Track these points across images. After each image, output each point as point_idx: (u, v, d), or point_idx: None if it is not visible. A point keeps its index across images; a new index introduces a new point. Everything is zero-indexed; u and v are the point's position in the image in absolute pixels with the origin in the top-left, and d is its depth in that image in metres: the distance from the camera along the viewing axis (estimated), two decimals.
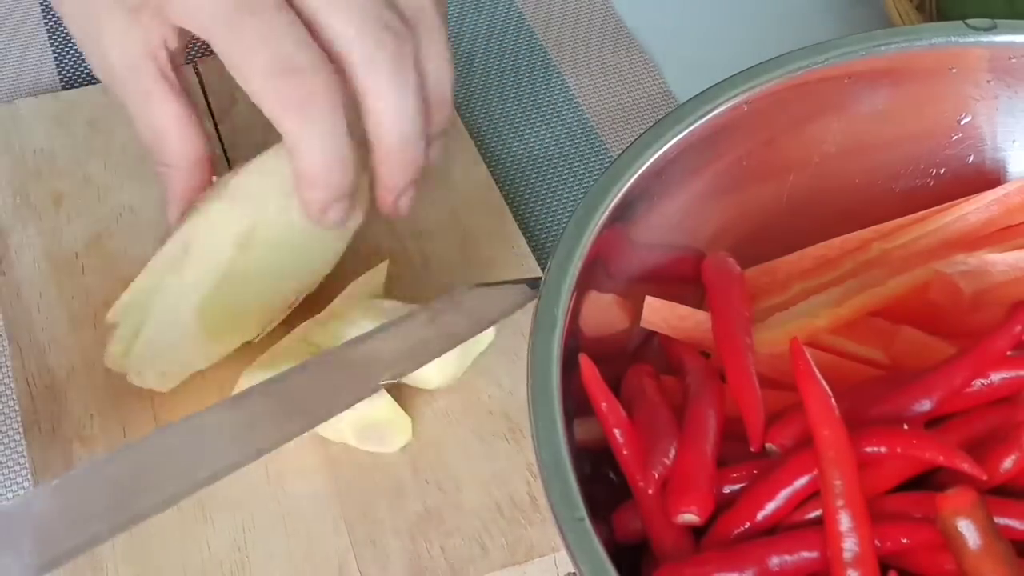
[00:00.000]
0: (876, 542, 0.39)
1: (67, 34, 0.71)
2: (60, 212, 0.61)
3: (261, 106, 0.47)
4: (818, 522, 0.40)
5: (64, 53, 0.71)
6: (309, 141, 0.47)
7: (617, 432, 0.43)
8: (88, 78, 0.69)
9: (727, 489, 0.42)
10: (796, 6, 0.75)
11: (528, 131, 0.67)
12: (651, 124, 0.47)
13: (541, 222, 0.63)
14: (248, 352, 0.53)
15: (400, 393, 0.53)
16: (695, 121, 0.47)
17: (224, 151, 0.63)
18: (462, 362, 0.53)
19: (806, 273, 0.51)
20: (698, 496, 0.41)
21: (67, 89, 0.69)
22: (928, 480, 0.42)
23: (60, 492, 0.43)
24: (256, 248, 0.51)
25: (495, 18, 0.73)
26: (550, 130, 0.67)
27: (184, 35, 0.49)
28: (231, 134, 0.64)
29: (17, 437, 0.54)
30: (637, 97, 0.69)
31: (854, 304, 0.48)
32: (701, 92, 0.48)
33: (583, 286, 0.43)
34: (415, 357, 0.50)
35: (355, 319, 0.52)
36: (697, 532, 0.42)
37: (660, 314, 0.48)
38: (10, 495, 0.53)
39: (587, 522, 0.38)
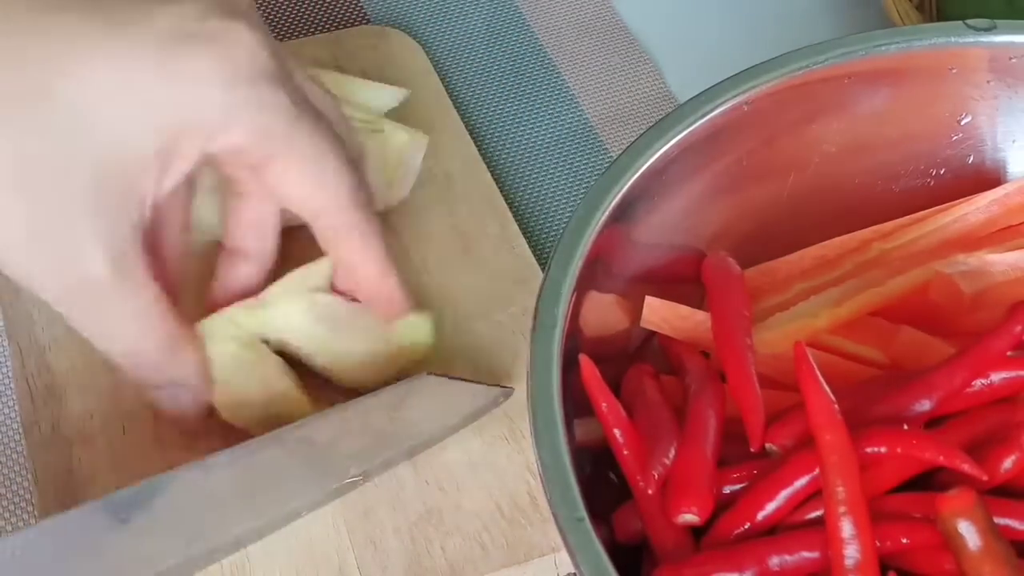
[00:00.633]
0: (876, 542, 0.39)
1: None
2: None
3: None
4: (818, 522, 0.40)
5: None
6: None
7: (617, 432, 0.43)
8: None
9: (727, 489, 0.42)
10: (796, 6, 0.75)
11: (528, 131, 0.67)
12: (651, 124, 0.47)
13: (541, 222, 0.63)
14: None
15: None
16: (695, 121, 0.47)
17: None
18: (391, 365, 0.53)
19: (806, 273, 0.51)
20: (698, 496, 0.41)
21: None
22: (928, 480, 0.42)
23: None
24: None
25: (495, 18, 0.73)
26: (550, 130, 0.67)
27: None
28: None
29: (17, 437, 0.54)
30: (637, 97, 0.69)
31: (854, 304, 0.48)
32: (701, 92, 0.48)
33: (583, 286, 0.43)
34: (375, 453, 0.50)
35: (287, 312, 0.52)
36: (697, 532, 0.42)
37: (660, 314, 0.48)
38: (10, 495, 0.53)
39: (587, 522, 0.38)
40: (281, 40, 0.71)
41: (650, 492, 0.41)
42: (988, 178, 0.52)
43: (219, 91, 0.45)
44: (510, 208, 0.61)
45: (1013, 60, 0.50)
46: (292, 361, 0.52)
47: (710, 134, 0.47)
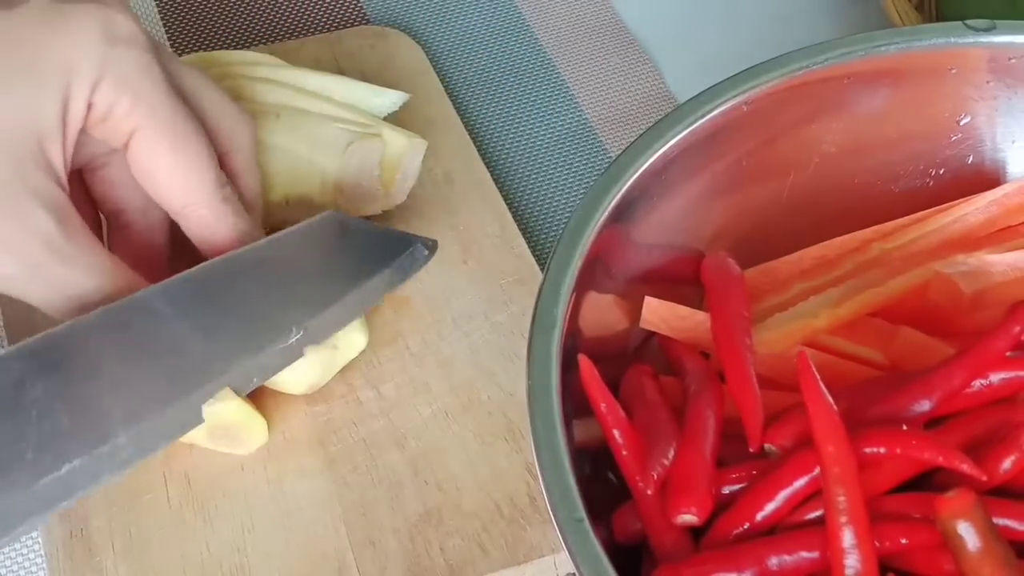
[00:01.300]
0: (876, 543, 0.39)
1: None
2: None
3: None
4: (817, 523, 0.40)
5: None
6: None
7: (616, 433, 0.43)
8: None
9: (726, 489, 0.42)
10: (796, 6, 0.75)
11: (528, 131, 0.67)
12: (650, 124, 0.47)
13: (541, 222, 0.63)
14: None
15: (264, 396, 0.52)
16: (695, 121, 0.47)
17: None
18: (327, 369, 0.53)
19: (806, 273, 0.51)
20: (697, 497, 0.41)
21: None
22: (928, 480, 0.42)
23: None
24: None
25: (495, 18, 0.73)
26: (550, 130, 0.67)
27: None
28: None
29: None
30: (637, 97, 0.69)
31: (853, 304, 0.48)
32: (701, 92, 0.48)
33: (583, 286, 0.43)
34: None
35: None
36: (697, 532, 0.42)
37: (660, 314, 0.48)
38: None
39: (587, 523, 0.38)
40: (281, 40, 0.71)
41: (649, 492, 0.41)
42: (988, 178, 0.52)
43: (98, 41, 0.48)
44: (510, 208, 0.61)
45: (1013, 60, 0.50)
46: None
47: (709, 134, 0.47)
